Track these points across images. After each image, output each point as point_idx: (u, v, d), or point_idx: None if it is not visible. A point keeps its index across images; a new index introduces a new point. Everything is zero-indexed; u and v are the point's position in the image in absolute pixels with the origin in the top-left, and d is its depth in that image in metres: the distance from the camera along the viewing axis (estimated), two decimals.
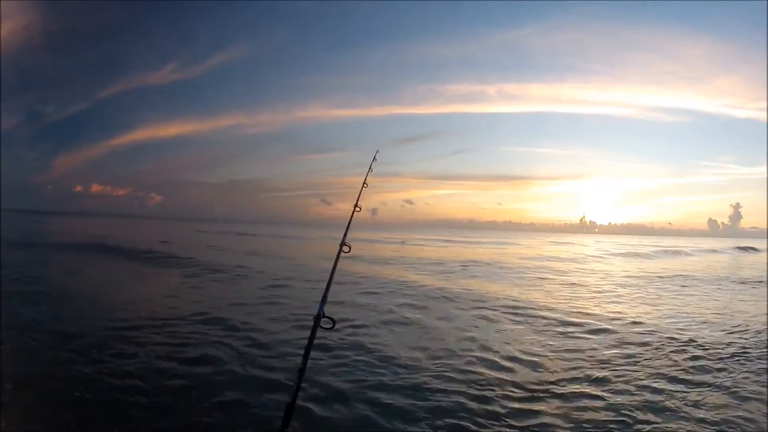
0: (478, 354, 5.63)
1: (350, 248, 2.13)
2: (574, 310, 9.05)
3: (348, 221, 2.29)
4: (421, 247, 32.97)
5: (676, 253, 35.06)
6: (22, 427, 3.65)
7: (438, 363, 5.21)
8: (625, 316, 8.53)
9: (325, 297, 1.87)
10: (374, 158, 2.81)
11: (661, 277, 16.70)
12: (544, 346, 6.20)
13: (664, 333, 7.00)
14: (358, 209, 2.43)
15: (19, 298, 8.29)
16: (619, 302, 10.43)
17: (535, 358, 5.53)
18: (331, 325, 1.67)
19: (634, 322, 7.86)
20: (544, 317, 8.12)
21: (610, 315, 8.63)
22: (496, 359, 5.44)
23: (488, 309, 8.71)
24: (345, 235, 2.20)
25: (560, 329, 7.25)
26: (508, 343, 6.22)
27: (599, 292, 12.06)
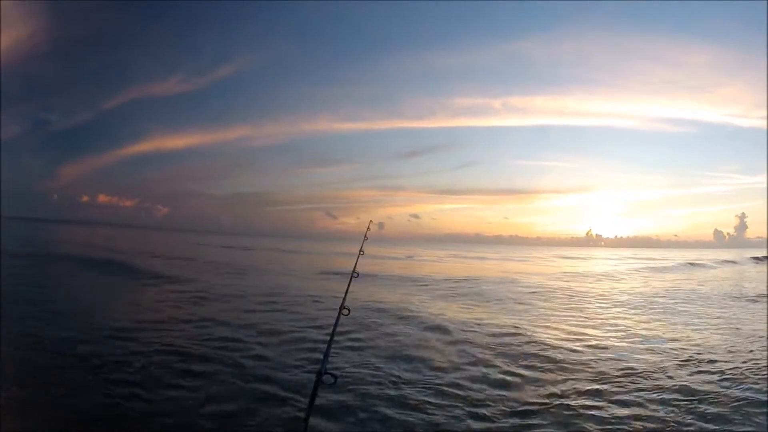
0: None
1: (349, 311, 2.35)
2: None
3: (347, 286, 2.65)
4: (432, 264, 31.75)
5: (697, 265, 33.99)
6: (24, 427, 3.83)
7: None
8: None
9: (326, 354, 2.22)
10: (368, 228, 3.20)
11: (707, 295, 15.22)
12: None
13: None
14: (356, 275, 2.78)
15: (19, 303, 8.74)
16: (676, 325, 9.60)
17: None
18: (332, 381, 2.00)
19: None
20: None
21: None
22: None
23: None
24: (344, 298, 2.44)
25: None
26: None
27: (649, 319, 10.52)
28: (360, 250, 2.94)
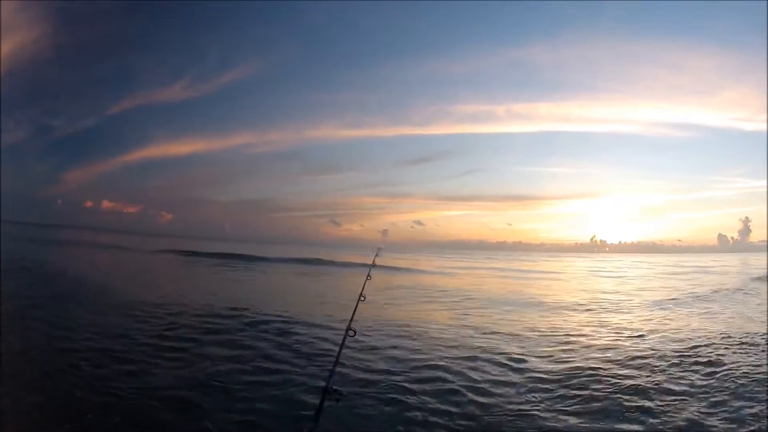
0: None
1: (355, 332, 2.59)
2: None
3: (353, 311, 2.83)
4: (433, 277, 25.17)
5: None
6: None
7: None
8: None
9: (333, 370, 2.41)
10: (376, 254, 3.43)
11: None
12: None
13: None
14: (362, 299, 2.97)
15: None
16: None
17: None
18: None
19: None
20: None
21: None
22: None
23: None
24: (351, 320, 2.68)
25: None
26: None
27: None
28: (368, 276, 3.14)
